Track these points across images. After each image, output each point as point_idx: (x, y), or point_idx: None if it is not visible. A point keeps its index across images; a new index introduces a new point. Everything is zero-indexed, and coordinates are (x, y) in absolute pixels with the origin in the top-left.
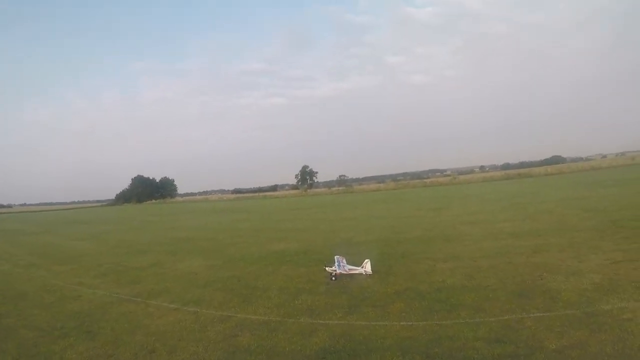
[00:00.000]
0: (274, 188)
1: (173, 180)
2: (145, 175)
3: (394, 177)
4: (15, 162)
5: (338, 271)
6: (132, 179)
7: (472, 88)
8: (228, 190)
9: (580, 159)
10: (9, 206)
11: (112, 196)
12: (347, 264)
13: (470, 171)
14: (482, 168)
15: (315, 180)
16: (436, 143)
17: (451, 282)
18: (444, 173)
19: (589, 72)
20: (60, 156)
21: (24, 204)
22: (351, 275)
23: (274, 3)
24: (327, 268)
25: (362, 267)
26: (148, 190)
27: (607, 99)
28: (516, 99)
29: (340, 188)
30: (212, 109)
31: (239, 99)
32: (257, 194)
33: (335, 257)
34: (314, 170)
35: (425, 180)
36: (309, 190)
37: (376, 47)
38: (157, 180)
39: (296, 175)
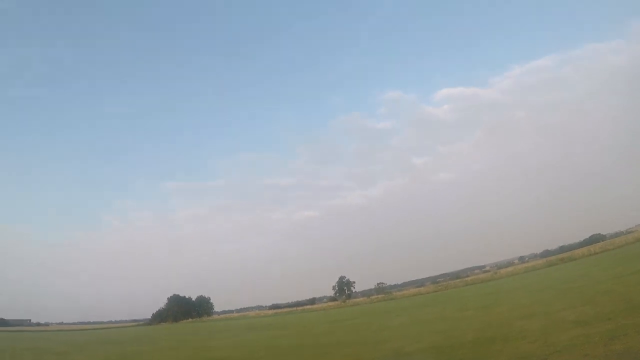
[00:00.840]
0: (312, 301)
1: (209, 299)
2: (182, 294)
3: (433, 280)
4: (54, 282)
5: None
6: (168, 298)
7: (498, 177)
8: (266, 306)
9: (621, 233)
10: (46, 324)
11: (149, 315)
12: None
13: (510, 263)
14: (521, 259)
15: (353, 290)
16: (471, 240)
17: None
18: (483, 269)
19: (609, 139)
20: (97, 277)
21: (62, 323)
22: None
23: (297, 119)
24: None
25: None
26: (184, 309)
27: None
28: (544, 181)
29: (380, 296)
30: (244, 224)
31: (270, 213)
32: (295, 309)
33: None
34: (351, 280)
35: (465, 279)
36: (347, 301)
37: (400, 150)
38: (194, 299)
39: (333, 286)
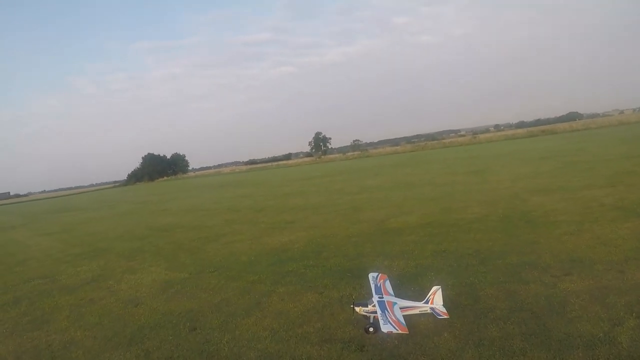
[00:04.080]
0: (288, 157)
1: (184, 156)
2: (157, 153)
3: (408, 140)
4: (31, 151)
5: (379, 313)
6: (142, 158)
7: (481, 46)
8: (242, 162)
9: (597, 115)
10: (27, 194)
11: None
12: (398, 296)
13: (486, 130)
14: (497, 127)
15: (329, 147)
16: (448, 103)
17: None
18: (459, 133)
19: (600, 26)
20: (74, 142)
21: (43, 191)
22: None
23: None
24: (357, 308)
25: (428, 301)
26: (159, 168)
27: (622, 52)
28: (527, 55)
29: (355, 153)
30: (221, 82)
31: (247, 70)
32: (270, 164)
33: (370, 275)
34: (328, 136)
35: (442, 140)
36: (323, 157)
37: (381, 9)
38: (168, 157)
39: (310, 142)
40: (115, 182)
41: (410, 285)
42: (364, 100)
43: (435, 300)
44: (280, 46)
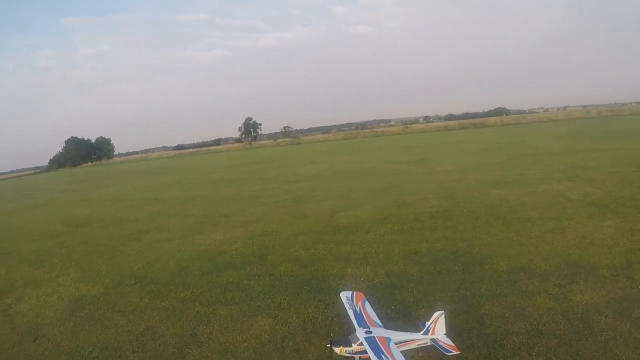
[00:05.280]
0: (218, 142)
1: (109, 140)
2: (81, 137)
3: (339, 128)
4: None
5: (371, 356)
6: (65, 142)
7: (415, 39)
8: (170, 147)
9: (523, 112)
10: None
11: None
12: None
13: (415, 121)
14: (426, 118)
15: (260, 133)
16: (379, 94)
17: None
18: (389, 123)
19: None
20: None
21: None
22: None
23: None
24: (337, 349)
25: (428, 331)
26: (83, 152)
27: (550, 53)
28: (457, 50)
29: (286, 139)
30: (152, 63)
31: (180, 52)
32: (199, 150)
33: (344, 296)
34: (258, 122)
35: (376, 129)
36: (253, 143)
37: None
38: (93, 141)
39: (240, 128)
40: (36, 168)
41: (389, 302)
42: (296, 87)
43: (437, 329)
44: (216, 28)
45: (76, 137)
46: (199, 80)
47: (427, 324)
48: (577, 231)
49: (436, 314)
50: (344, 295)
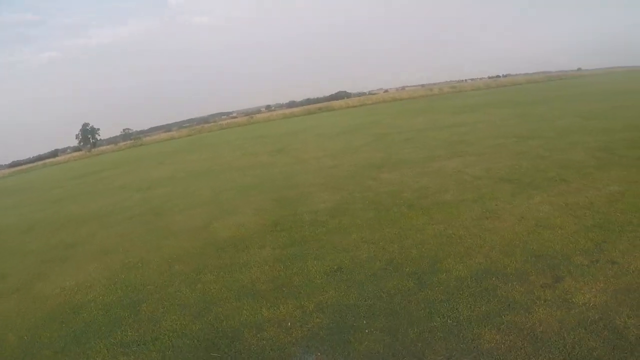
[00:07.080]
0: (55, 153)
1: None
2: None
3: (181, 125)
4: None
5: None
6: None
7: (257, 29)
8: (4, 165)
9: (364, 93)
10: None
11: None
12: None
13: (258, 111)
14: (268, 107)
15: (99, 138)
16: (217, 87)
17: None
18: (231, 115)
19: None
20: None
21: None
22: None
23: None
24: None
25: None
26: None
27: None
28: (300, 40)
29: (128, 142)
30: None
31: (8, 57)
32: (36, 164)
33: None
34: (96, 127)
35: (219, 123)
36: (93, 150)
37: None
38: None
39: (77, 135)
40: None
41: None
42: (132, 86)
43: None
44: (44, 28)
45: None
46: (28, 87)
47: None
48: (513, 213)
49: None
50: None
